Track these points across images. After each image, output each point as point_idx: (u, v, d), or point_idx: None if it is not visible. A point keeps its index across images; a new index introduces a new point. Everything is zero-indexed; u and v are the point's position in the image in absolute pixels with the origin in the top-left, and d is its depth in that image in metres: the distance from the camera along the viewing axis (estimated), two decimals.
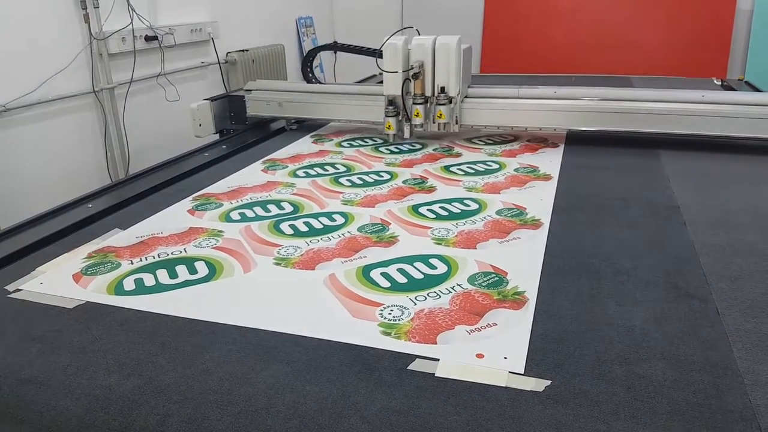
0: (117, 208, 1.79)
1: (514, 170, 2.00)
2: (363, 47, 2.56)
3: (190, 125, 2.43)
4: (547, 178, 1.91)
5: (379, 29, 5.49)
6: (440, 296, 1.17)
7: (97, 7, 2.72)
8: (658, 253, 1.34)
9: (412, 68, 2.21)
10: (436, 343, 1.01)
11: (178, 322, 1.11)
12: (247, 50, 3.86)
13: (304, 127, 2.74)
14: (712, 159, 2.07)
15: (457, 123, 2.32)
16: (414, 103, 2.28)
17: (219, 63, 3.60)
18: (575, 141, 2.32)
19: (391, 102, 2.31)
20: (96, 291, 1.25)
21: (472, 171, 2.01)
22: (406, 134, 2.36)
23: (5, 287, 1.28)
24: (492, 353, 0.98)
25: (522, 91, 2.37)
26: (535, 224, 1.52)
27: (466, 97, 2.35)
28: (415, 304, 1.14)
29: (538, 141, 2.35)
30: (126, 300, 1.20)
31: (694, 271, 1.25)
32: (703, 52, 4.57)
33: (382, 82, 2.36)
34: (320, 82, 2.78)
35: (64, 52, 2.82)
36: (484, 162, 2.10)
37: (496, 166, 2.05)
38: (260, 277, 1.30)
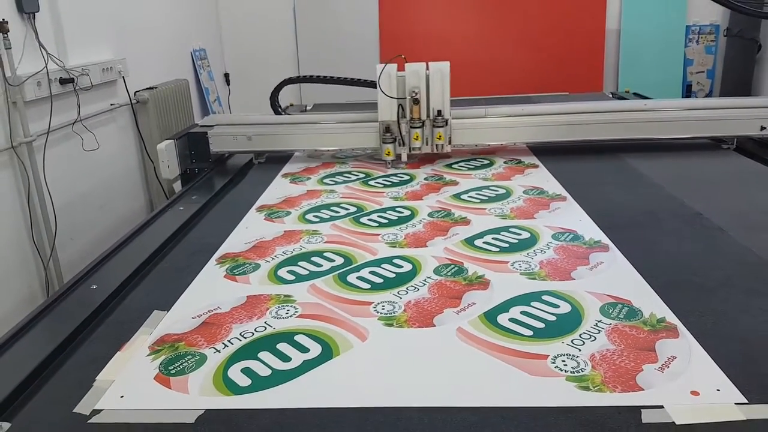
0: (125, 284, 1.50)
1: (524, 192, 2.02)
2: (356, 79, 2.59)
3: (158, 167, 2.32)
4: (561, 198, 1.95)
5: (271, 60, 5.33)
6: (594, 337, 1.13)
7: (9, 48, 2.24)
8: (732, 261, 1.43)
9: (415, 93, 2.29)
10: (642, 389, 0.97)
11: (342, 415, 0.95)
12: (155, 87, 3.51)
13: (270, 159, 2.62)
14: (674, 160, 2.34)
15: (450, 143, 2.42)
16: (413, 127, 2.36)
17: (131, 103, 3.21)
18: (543, 152, 2.50)
19: (387, 129, 2.37)
20: (205, 394, 1.03)
21: (486, 197, 2.00)
22: (404, 158, 2.41)
23: (74, 411, 1.00)
24: (704, 388, 0.96)
25: (489, 110, 2.52)
26: (602, 247, 1.55)
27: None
28: (579, 349, 1.10)
29: (515, 162, 2.41)
30: (255, 399, 1.01)
31: None
32: (581, 70, 5.04)
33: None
34: (288, 114, 2.68)
35: None
36: (486, 188, 2.10)
37: (502, 191, 2.06)
38: (384, 344, 1.16)
